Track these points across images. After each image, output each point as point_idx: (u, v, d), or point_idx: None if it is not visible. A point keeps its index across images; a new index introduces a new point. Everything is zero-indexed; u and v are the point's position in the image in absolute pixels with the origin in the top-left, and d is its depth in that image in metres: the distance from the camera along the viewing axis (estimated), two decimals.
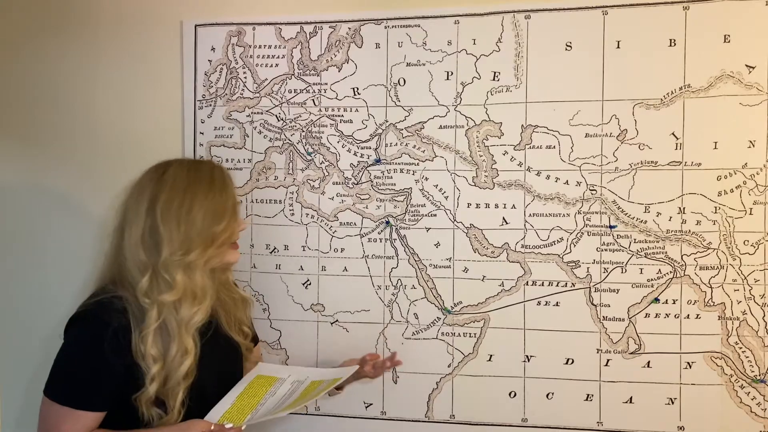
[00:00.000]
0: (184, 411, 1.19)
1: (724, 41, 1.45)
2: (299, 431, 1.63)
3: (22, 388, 1.70)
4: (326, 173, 1.61)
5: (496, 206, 1.55)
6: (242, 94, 1.64)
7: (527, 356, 1.54)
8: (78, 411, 1.17)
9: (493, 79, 1.54)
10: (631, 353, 1.50)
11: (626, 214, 1.50)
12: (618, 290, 1.50)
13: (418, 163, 1.57)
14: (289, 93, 1.62)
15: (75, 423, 1.17)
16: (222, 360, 1.30)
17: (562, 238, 1.52)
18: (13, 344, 1.72)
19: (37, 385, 1.66)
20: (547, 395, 1.54)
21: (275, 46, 1.63)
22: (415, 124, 1.57)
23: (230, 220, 1.22)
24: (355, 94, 1.60)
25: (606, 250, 1.51)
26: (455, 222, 1.56)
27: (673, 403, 1.49)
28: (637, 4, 1.48)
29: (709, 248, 1.47)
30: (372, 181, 1.59)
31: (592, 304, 1.51)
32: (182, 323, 1.18)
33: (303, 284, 1.62)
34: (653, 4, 1.47)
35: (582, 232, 1.51)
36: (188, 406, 1.20)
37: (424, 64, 1.56)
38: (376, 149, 1.59)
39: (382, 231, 1.59)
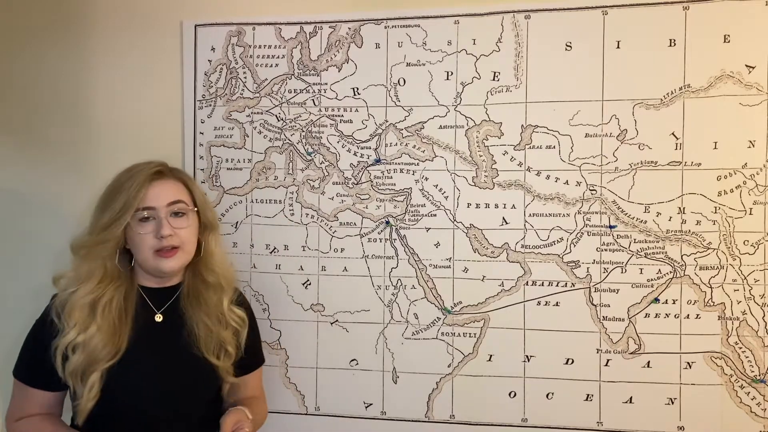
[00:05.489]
0: (96, 398, 1.23)
1: (724, 41, 1.45)
2: (299, 431, 1.63)
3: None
4: (326, 173, 1.61)
5: (496, 206, 1.54)
6: (242, 94, 1.64)
7: (527, 356, 1.54)
8: (26, 386, 1.30)
9: (493, 79, 1.54)
10: (631, 353, 1.50)
11: (626, 214, 1.50)
12: (618, 290, 1.50)
13: (418, 163, 1.57)
14: (289, 93, 1.62)
15: (25, 398, 1.31)
16: (165, 371, 1.29)
17: (562, 238, 1.52)
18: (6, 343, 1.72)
19: None
20: (547, 395, 1.54)
21: (275, 46, 1.63)
22: (415, 124, 1.57)
23: (118, 217, 1.24)
24: (355, 94, 1.60)
25: (606, 250, 1.51)
26: (455, 222, 1.56)
27: (673, 403, 1.49)
28: (637, 4, 1.48)
29: (709, 248, 1.47)
30: (372, 181, 1.59)
31: (592, 304, 1.51)
32: (76, 302, 1.25)
33: (303, 284, 1.62)
34: (653, 4, 1.47)
35: (582, 232, 1.51)
36: (102, 395, 1.23)
37: (424, 64, 1.56)
38: (376, 149, 1.59)
39: (382, 231, 1.59)
